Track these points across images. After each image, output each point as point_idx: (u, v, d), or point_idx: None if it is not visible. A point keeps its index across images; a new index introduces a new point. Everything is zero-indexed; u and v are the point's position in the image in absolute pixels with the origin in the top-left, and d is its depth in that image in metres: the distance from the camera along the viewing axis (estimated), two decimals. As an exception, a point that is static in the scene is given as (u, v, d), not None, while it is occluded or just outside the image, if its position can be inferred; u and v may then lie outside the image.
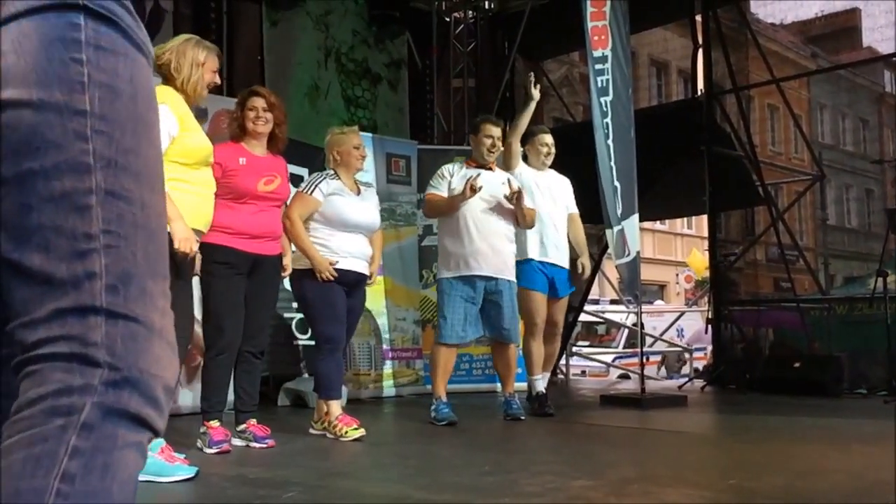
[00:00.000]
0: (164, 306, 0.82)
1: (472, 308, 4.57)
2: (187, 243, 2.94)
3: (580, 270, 5.15)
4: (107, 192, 0.79)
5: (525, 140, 5.10)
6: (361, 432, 3.93)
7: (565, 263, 5.05)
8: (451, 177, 4.69)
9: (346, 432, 3.93)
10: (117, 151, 0.80)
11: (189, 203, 3.01)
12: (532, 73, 5.09)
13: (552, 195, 5.05)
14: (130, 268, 0.79)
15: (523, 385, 6.81)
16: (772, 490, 2.71)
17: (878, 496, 2.60)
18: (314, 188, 4.06)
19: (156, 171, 0.86)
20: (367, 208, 4.18)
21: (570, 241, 5.19)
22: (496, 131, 4.77)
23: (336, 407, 4.04)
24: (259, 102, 3.72)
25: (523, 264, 4.87)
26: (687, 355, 11.59)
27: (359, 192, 4.20)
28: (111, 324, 0.77)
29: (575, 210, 5.23)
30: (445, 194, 4.66)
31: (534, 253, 4.92)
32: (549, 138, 5.15)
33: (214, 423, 3.55)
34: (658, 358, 12.68)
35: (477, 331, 4.63)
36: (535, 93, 4.93)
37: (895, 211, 7.16)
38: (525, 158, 5.11)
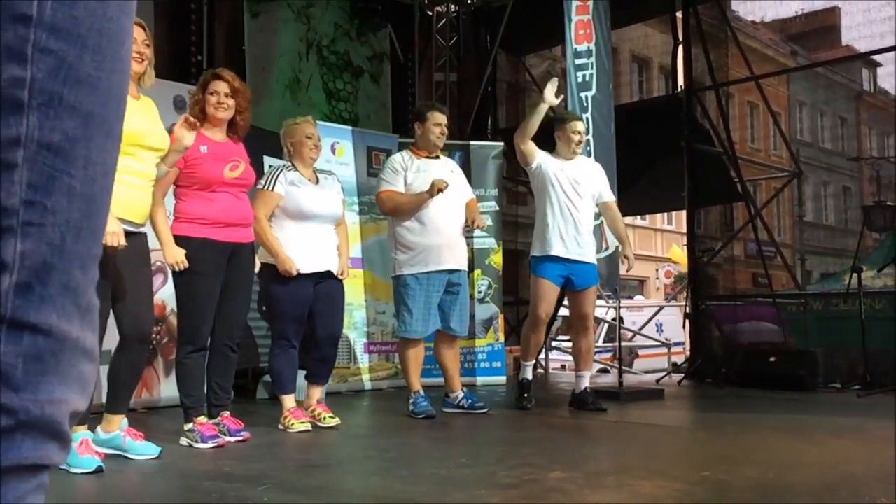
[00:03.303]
0: (90, 300, 0.62)
1: (434, 299, 4.55)
2: (115, 237, 2.82)
3: (623, 262, 4.90)
4: (40, 145, 0.56)
5: (555, 127, 4.89)
6: (307, 427, 3.96)
7: (588, 258, 4.81)
8: (405, 170, 4.59)
9: (293, 424, 3.96)
10: (66, 82, 0.56)
11: (116, 193, 2.95)
12: (556, 79, 4.88)
13: (575, 188, 4.78)
14: (54, 256, 0.58)
15: (501, 379, 6.84)
16: (745, 482, 2.74)
17: (849, 489, 2.64)
18: (273, 182, 4.04)
19: (117, 106, 0.62)
20: (326, 197, 4.15)
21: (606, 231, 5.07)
22: (444, 119, 4.69)
23: (289, 401, 4.06)
24: (221, 87, 3.59)
25: (543, 259, 4.76)
26: (638, 350, 11.66)
27: (317, 182, 4.17)
28: (12, 340, 0.57)
29: (610, 198, 4.96)
30: (402, 189, 4.56)
31: (557, 250, 4.71)
32: (581, 125, 4.92)
33: (202, 419, 3.53)
34: (641, 352, 12.73)
35: (437, 322, 4.59)
36: (551, 98, 4.69)
37: (871, 208, 7.26)
38: (553, 146, 4.91)
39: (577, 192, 4.79)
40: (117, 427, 3.13)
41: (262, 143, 5.53)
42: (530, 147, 4.79)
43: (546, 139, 4.88)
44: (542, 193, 4.83)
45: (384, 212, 4.71)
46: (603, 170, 5.09)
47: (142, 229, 3.16)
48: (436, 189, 4.41)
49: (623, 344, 11.76)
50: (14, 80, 0.55)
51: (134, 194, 3.05)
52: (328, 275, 4.13)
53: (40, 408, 0.58)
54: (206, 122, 3.59)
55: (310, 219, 4.07)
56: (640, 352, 12.16)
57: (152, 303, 3.30)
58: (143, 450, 3.14)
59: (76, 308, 0.60)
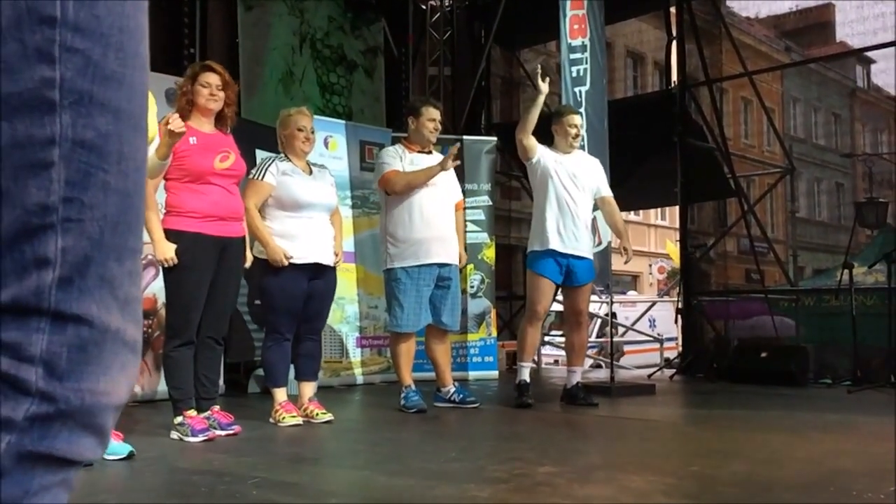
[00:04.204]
0: (129, 292, 0.63)
1: (425, 293, 4.53)
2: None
3: (622, 255, 4.90)
4: (74, 143, 0.57)
5: (552, 121, 4.88)
6: (298, 420, 3.97)
7: (586, 253, 4.80)
8: (401, 159, 4.57)
9: (284, 418, 3.96)
10: (94, 80, 0.58)
11: None
12: (540, 66, 4.88)
13: (575, 182, 4.76)
14: (93, 250, 0.59)
15: (493, 374, 6.85)
16: (733, 477, 2.75)
17: (838, 484, 2.65)
18: (264, 172, 4.02)
19: (141, 102, 0.63)
20: (320, 187, 4.13)
21: (605, 226, 5.04)
22: (438, 114, 4.67)
23: (280, 394, 4.07)
24: (214, 79, 3.60)
25: (541, 254, 4.74)
26: (624, 346, 11.69)
27: (311, 173, 4.16)
28: (56, 330, 0.58)
29: (608, 193, 4.95)
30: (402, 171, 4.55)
31: (555, 244, 4.68)
32: (577, 119, 4.88)
33: (192, 413, 3.53)
34: (633, 347, 12.76)
35: (428, 317, 4.57)
36: (544, 86, 4.67)
37: (863, 204, 7.28)
38: (551, 140, 4.89)
39: (576, 186, 4.78)
40: None
41: (255, 136, 5.52)
42: (532, 142, 4.77)
43: (544, 134, 4.89)
44: (541, 188, 4.81)
45: (395, 190, 4.54)
46: (600, 164, 5.09)
47: None
48: (449, 162, 4.40)
49: (608, 340, 11.82)
50: (45, 81, 0.56)
51: None
52: (323, 269, 4.12)
53: (81, 398, 0.59)
54: (194, 114, 3.58)
55: (305, 208, 4.05)
56: (627, 347, 12.16)
57: None
58: (114, 449, 3.05)
59: (114, 299, 0.61)
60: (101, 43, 0.58)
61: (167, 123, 3.17)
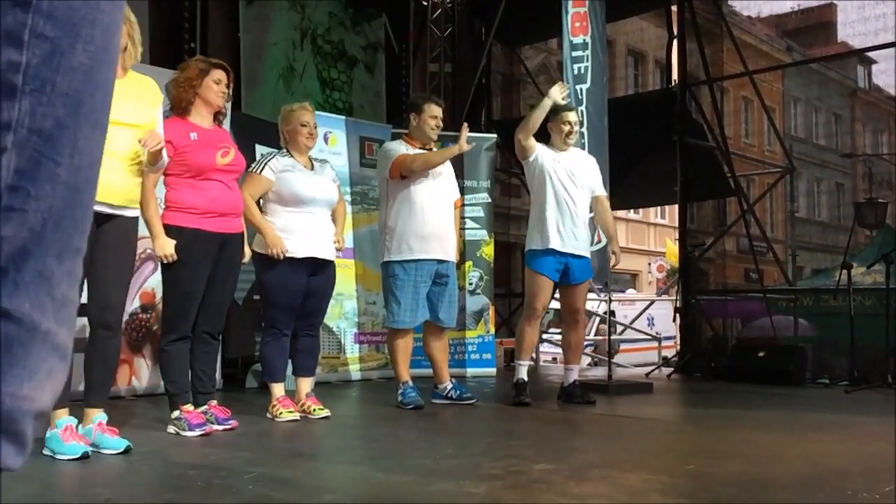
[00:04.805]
0: (66, 293, 0.60)
1: (422, 289, 4.53)
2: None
3: (610, 258, 4.94)
4: (30, 130, 0.56)
5: (549, 118, 4.85)
6: (295, 416, 3.97)
7: (584, 252, 4.82)
8: (407, 153, 4.57)
9: (281, 413, 3.97)
10: (59, 69, 0.57)
11: None
12: (566, 85, 4.88)
13: (573, 179, 4.77)
14: (32, 242, 0.57)
15: (491, 371, 6.85)
16: (728, 476, 2.75)
17: (832, 483, 2.65)
18: (263, 167, 4.02)
19: (104, 97, 0.62)
20: (322, 182, 4.12)
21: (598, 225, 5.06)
22: (440, 111, 4.67)
23: (278, 389, 4.07)
24: (224, 77, 3.64)
25: (540, 252, 4.73)
26: (619, 344, 11.71)
27: (312, 168, 4.15)
28: None
29: (602, 192, 4.95)
30: None
31: (554, 243, 4.69)
32: (573, 116, 4.88)
33: (189, 407, 3.52)
34: (628, 346, 12.74)
35: (425, 313, 4.56)
36: (557, 98, 4.68)
37: (863, 205, 7.28)
38: (548, 138, 4.90)
39: (574, 184, 4.78)
40: (90, 421, 3.09)
41: (255, 131, 5.53)
42: (531, 142, 4.78)
43: (541, 132, 4.88)
44: (539, 186, 4.81)
45: (413, 168, 4.46)
46: (597, 163, 5.09)
47: (125, 212, 3.11)
48: (465, 143, 4.43)
49: (603, 338, 11.81)
50: (10, 64, 0.55)
51: (104, 176, 3.01)
52: (322, 264, 4.12)
53: (1, 401, 0.56)
54: (196, 108, 3.57)
55: (306, 203, 4.05)
56: (622, 345, 12.15)
57: (124, 289, 3.21)
58: (111, 444, 3.05)
59: (50, 299, 0.58)
60: (72, 33, 0.57)
61: (144, 145, 3.11)
